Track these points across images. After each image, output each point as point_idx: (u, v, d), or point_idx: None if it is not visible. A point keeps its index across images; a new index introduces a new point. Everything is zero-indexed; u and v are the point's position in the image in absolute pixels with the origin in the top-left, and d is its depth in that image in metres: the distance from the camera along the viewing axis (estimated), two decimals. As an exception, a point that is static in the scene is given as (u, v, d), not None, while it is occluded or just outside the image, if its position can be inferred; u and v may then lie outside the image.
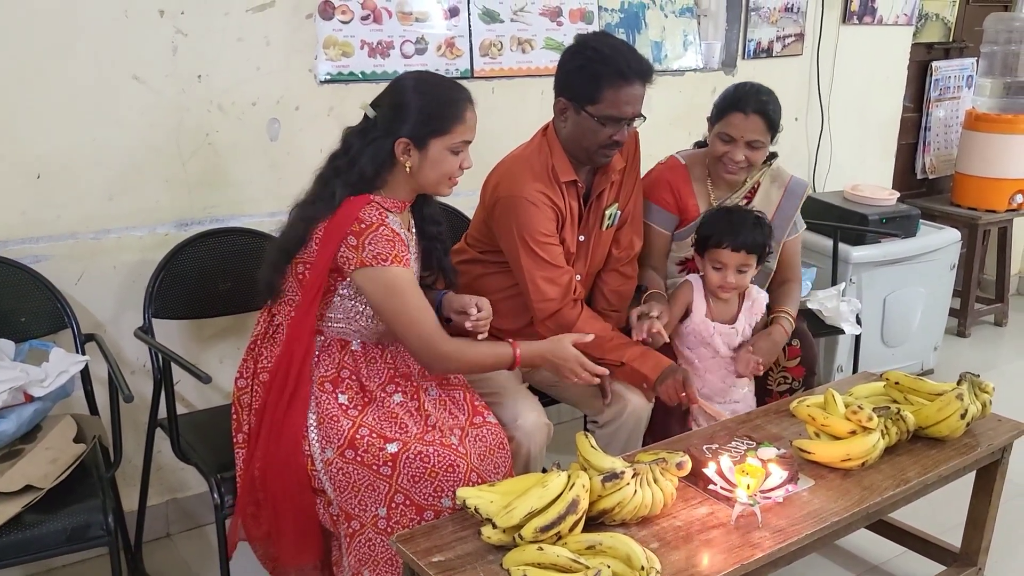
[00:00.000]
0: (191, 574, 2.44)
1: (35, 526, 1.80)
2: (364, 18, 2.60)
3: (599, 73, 2.11)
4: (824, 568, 2.53)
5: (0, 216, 2.19)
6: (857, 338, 3.21)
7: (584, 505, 1.65)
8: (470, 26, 2.80)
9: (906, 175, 4.45)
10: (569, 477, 1.67)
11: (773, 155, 2.58)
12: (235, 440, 1.99)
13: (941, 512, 2.46)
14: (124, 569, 2.36)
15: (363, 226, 1.82)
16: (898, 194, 3.65)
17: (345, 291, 1.91)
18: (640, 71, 2.13)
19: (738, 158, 2.41)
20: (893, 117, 4.17)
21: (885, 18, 3.89)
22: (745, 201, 2.55)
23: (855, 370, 3.30)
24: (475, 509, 1.68)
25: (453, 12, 2.75)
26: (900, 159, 4.31)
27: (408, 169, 1.90)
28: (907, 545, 2.51)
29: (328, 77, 2.56)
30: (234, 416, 2.00)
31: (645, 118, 2.22)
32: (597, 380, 2.09)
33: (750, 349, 2.37)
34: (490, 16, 2.83)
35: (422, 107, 1.88)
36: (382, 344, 2.03)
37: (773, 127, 2.42)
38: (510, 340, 2.02)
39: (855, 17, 3.80)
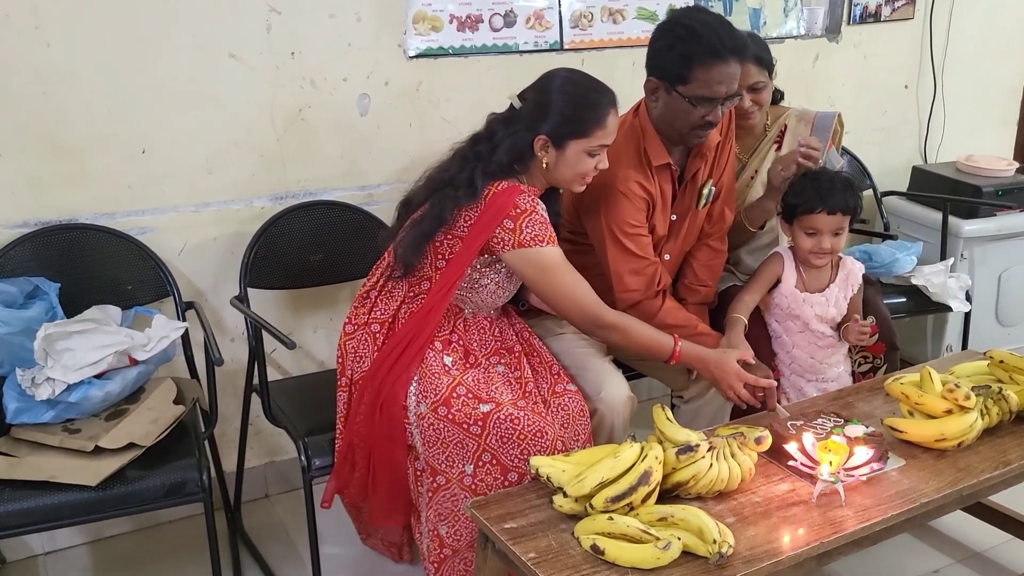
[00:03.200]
0: (286, 534, 2.54)
1: (136, 481, 1.91)
2: (453, -8, 2.61)
3: (690, 52, 2.04)
4: (923, 553, 2.44)
5: (109, 190, 2.32)
6: (967, 316, 3.06)
7: (657, 477, 1.64)
8: (560, -3, 2.77)
9: (1029, 145, 4.18)
10: (642, 448, 1.66)
11: (779, 93, 2.59)
12: (338, 383, 2.06)
13: (1052, 499, 2.33)
14: (224, 526, 2.49)
15: (519, 211, 1.89)
16: (1017, 165, 3.44)
17: (476, 266, 1.97)
18: (734, 48, 2.05)
19: (746, 105, 2.41)
20: (1015, 83, 3.91)
21: (1008, -23, 3.66)
22: (776, 145, 2.52)
23: (965, 350, 3.16)
24: (547, 478, 1.69)
25: (542, -17, 2.74)
26: (1023, 128, 4.05)
27: (544, 165, 1.95)
28: (1012, 532, 2.38)
29: (417, 52, 2.59)
30: (339, 359, 2.07)
31: (742, 96, 2.16)
32: (754, 401, 2.04)
33: (856, 318, 2.29)
34: (580, -14, 2.80)
35: (564, 108, 1.92)
36: (491, 317, 2.09)
37: (764, 63, 2.41)
38: (675, 335, 2.04)
39: (973, -23, 3.58)
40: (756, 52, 2.36)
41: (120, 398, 2.07)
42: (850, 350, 2.40)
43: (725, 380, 2.03)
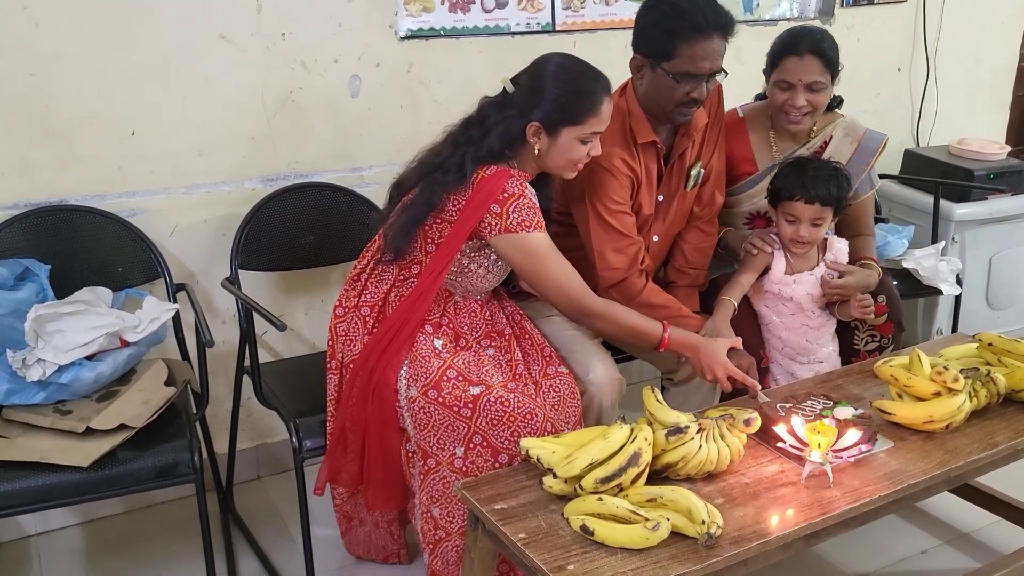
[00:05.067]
0: (278, 515, 2.55)
1: (128, 462, 1.91)
2: (445, -27, 2.60)
3: (674, 27, 2.04)
4: (911, 533, 2.46)
5: (99, 171, 2.31)
6: (957, 299, 3.07)
7: (646, 458, 1.65)
8: (552, -22, 2.76)
9: (1021, 129, 4.18)
10: (632, 430, 1.67)
11: (839, 100, 2.48)
12: (328, 366, 2.06)
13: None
14: (216, 508, 2.50)
15: (506, 195, 1.88)
16: (1009, 148, 3.44)
17: (465, 251, 1.97)
18: (718, 24, 2.05)
19: (799, 103, 2.31)
20: (1008, 66, 3.91)
21: (1002, -41, 3.65)
22: (815, 156, 2.45)
23: (955, 333, 3.17)
24: (537, 459, 1.70)
25: (535, -36, 2.73)
26: (1016, 112, 4.05)
27: (536, 151, 1.94)
28: (1000, 513, 2.40)
29: (408, 33, 2.58)
30: (329, 343, 2.07)
31: (727, 73, 2.15)
32: (730, 388, 2.05)
33: (857, 297, 2.28)
34: (573, -32, 2.79)
35: (558, 94, 1.91)
36: (482, 300, 2.09)
37: (831, 66, 2.31)
38: (663, 321, 2.04)
39: (968, -41, 3.57)
40: (825, 50, 2.30)
41: (111, 380, 2.07)
42: (857, 328, 2.40)
43: (711, 369, 2.03)
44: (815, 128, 2.45)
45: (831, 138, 2.46)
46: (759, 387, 2.03)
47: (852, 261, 2.39)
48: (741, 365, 2.10)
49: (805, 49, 2.29)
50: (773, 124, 2.45)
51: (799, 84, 2.31)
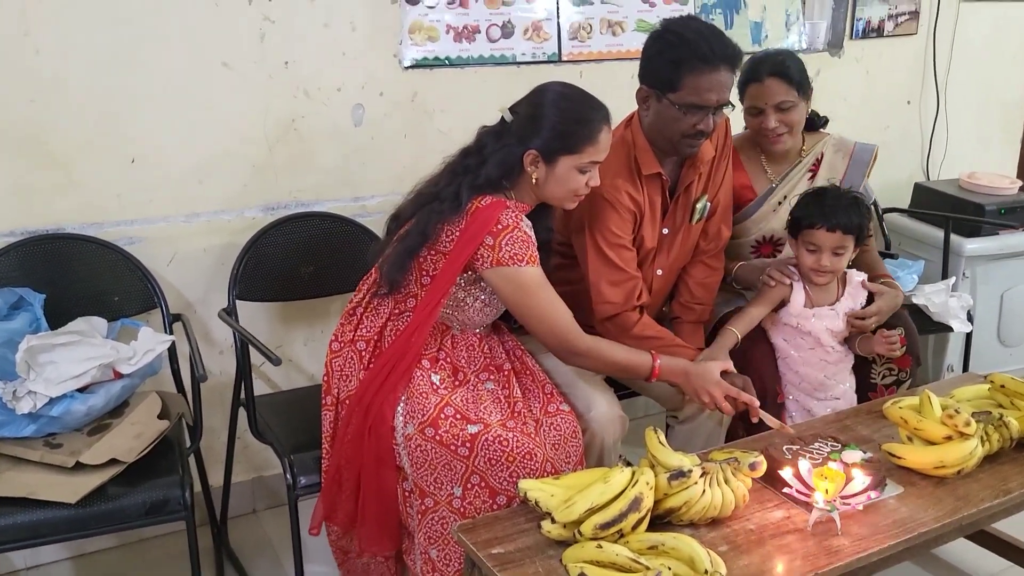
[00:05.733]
0: (272, 550, 2.49)
1: (117, 498, 1.87)
2: (450, 2, 2.58)
3: (679, 58, 2.02)
4: (921, 580, 2.39)
5: (97, 199, 2.28)
6: (968, 336, 3.02)
7: (648, 503, 1.60)
8: (558, 8, 2.74)
9: (1033, 163, 4.15)
10: (633, 473, 1.62)
11: (821, 118, 2.51)
12: (323, 402, 2.02)
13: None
14: (209, 542, 2.45)
15: (500, 227, 1.85)
16: (1020, 183, 3.40)
17: (460, 283, 1.94)
18: (725, 56, 2.02)
19: (771, 125, 2.34)
20: (1019, 99, 3.88)
21: (1012, -7, 3.63)
22: (810, 174, 2.46)
23: (966, 371, 3.12)
24: (536, 502, 1.65)
25: (541, -6, 2.71)
26: (1027, 145, 4.02)
27: (534, 180, 1.91)
28: (1014, 560, 2.33)
29: (413, 62, 2.56)
30: (325, 378, 2.03)
31: (734, 106, 2.13)
32: (730, 411, 2.01)
33: (883, 330, 2.25)
34: (580, -2, 2.77)
35: (557, 123, 1.88)
36: (480, 334, 2.05)
37: (795, 82, 2.32)
38: (652, 351, 2.01)
39: (979, -8, 3.55)
40: (787, 70, 2.30)
41: (103, 412, 2.03)
42: (874, 361, 2.35)
43: (704, 389, 1.99)
44: (805, 148, 2.48)
45: (823, 155, 2.48)
46: (757, 403, 1.98)
47: (870, 280, 2.38)
48: (735, 384, 2.05)
49: (765, 73, 2.31)
50: (763, 149, 2.46)
51: (767, 107, 2.33)
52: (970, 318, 2.89)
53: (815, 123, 2.49)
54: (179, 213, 2.38)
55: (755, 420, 1.99)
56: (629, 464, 1.68)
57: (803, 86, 2.35)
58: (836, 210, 2.21)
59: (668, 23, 2.13)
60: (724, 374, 2.02)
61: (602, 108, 1.93)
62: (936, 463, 1.84)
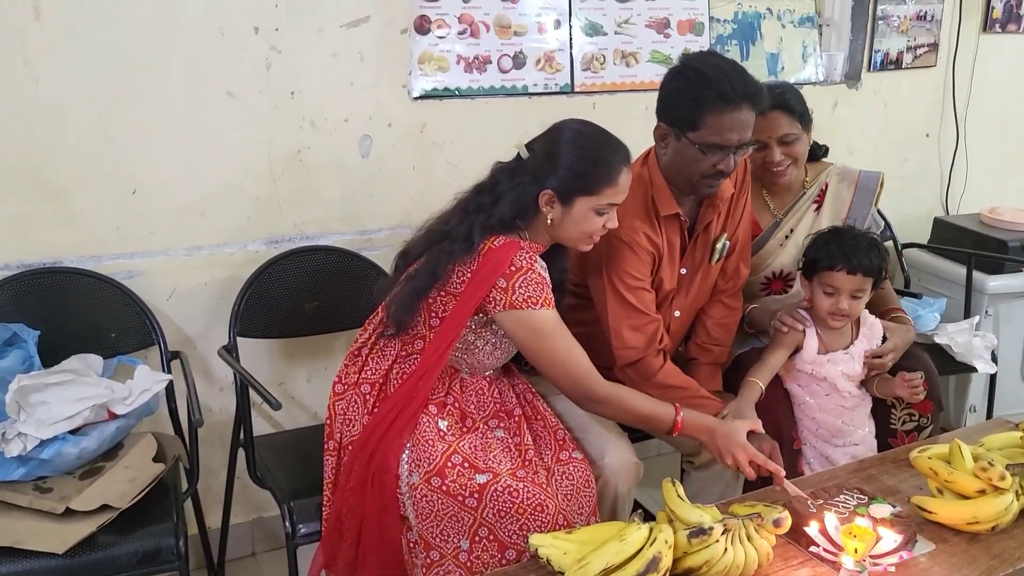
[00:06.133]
0: (272, 596, 2.41)
1: (108, 547, 1.79)
2: (461, 32, 2.53)
3: (700, 96, 1.94)
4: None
5: (96, 231, 2.22)
6: (992, 377, 2.92)
7: (667, 563, 1.51)
8: (571, 39, 2.69)
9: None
10: (651, 531, 1.53)
11: (821, 147, 2.45)
12: (325, 447, 1.94)
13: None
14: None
15: (513, 269, 1.78)
16: (1044, 218, 3.32)
17: (471, 326, 1.86)
18: (747, 94, 1.94)
19: (776, 159, 2.29)
20: (1040, 133, 3.81)
21: (1032, 25, 3.57)
22: (815, 205, 2.40)
23: (990, 412, 3.03)
24: (547, 560, 1.56)
25: (554, 25, 2.65)
26: (1048, 179, 3.94)
27: (549, 221, 1.84)
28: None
29: (422, 93, 2.50)
30: (327, 422, 1.95)
31: (755, 145, 2.06)
32: (753, 476, 1.90)
33: (903, 373, 2.16)
34: (593, 29, 2.72)
35: (574, 162, 1.82)
36: (490, 377, 1.98)
37: (798, 113, 2.28)
38: (675, 403, 1.93)
39: (997, 25, 3.49)
40: (788, 102, 2.26)
41: (96, 455, 1.96)
42: (894, 406, 2.27)
43: (729, 451, 1.90)
44: (808, 179, 2.42)
45: (827, 185, 2.42)
46: (783, 473, 1.89)
47: (880, 313, 2.31)
48: (763, 449, 1.96)
49: (766, 106, 2.21)
50: (764, 185, 2.40)
51: (771, 141, 2.27)
52: (994, 358, 2.80)
53: (816, 153, 2.44)
54: (180, 246, 2.31)
55: (778, 489, 1.89)
56: (647, 519, 1.59)
57: (804, 117, 2.31)
58: (856, 251, 2.13)
59: (688, 59, 2.05)
60: (750, 435, 1.93)
61: (622, 148, 1.86)
62: (970, 518, 1.74)
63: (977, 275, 3.07)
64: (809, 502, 1.79)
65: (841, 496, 1.82)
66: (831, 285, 2.15)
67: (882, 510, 1.74)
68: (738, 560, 1.56)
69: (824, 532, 1.65)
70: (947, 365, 2.77)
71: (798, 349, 2.21)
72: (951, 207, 3.58)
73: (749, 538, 1.59)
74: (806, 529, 1.67)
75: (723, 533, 1.56)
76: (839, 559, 1.59)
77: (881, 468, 2.04)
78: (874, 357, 2.22)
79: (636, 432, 2.23)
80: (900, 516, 1.74)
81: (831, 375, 2.20)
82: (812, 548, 1.65)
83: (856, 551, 1.57)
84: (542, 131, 1.90)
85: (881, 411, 2.29)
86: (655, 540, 1.51)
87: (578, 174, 1.81)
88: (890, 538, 1.62)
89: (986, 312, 3.12)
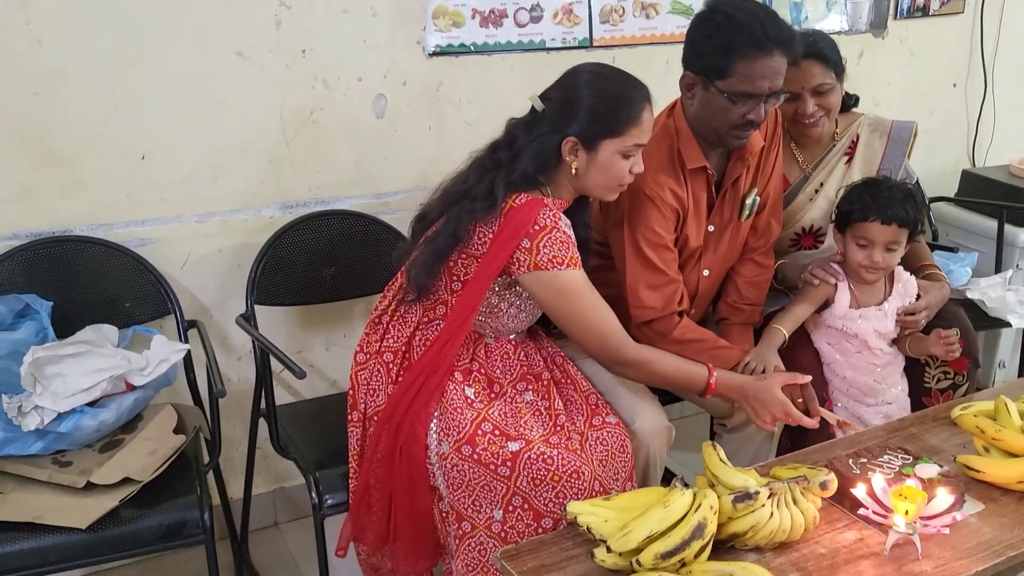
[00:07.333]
0: (295, 566, 2.37)
1: (131, 521, 1.74)
2: (476, -15, 2.43)
3: (730, 42, 1.84)
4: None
5: (105, 198, 2.15)
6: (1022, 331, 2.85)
7: (712, 529, 1.45)
8: (589, -10, 2.59)
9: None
10: (695, 496, 1.48)
11: (852, 97, 2.36)
12: (349, 418, 1.89)
13: None
14: (230, 558, 2.32)
15: (537, 227, 1.71)
16: (1075, 168, 3.23)
17: (495, 288, 1.80)
18: (779, 39, 1.85)
19: (810, 110, 2.19)
20: (1070, 80, 3.70)
21: (1062, -32, 3.44)
22: (846, 157, 2.31)
23: (1022, 367, 2.96)
24: (588, 528, 1.51)
25: (571, -25, 2.55)
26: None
27: (574, 171, 1.76)
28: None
29: (437, 49, 2.41)
30: (350, 392, 1.89)
31: (788, 94, 1.97)
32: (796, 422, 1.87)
33: (939, 330, 2.09)
34: (612, -21, 2.62)
35: (595, 104, 1.73)
36: (515, 340, 1.92)
37: (832, 63, 2.18)
38: (708, 364, 1.87)
39: (1026, -32, 3.37)
40: (822, 51, 2.16)
41: (115, 427, 1.91)
42: (928, 364, 2.20)
43: (765, 409, 1.86)
44: (838, 131, 2.33)
45: (858, 137, 2.33)
46: (818, 417, 1.85)
47: (913, 270, 2.24)
48: (797, 403, 1.91)
49: (800, 55, 2.11)
50: (793, 137, 2.31)
51: (804, 92, 2.18)
52: (1027, 313, 2.73)
53: (847, 103, 2.34)
54: (192, 212, 2.24)
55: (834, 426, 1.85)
56: (687, 485, 1.53)
57: (838, 66, 2.21)
58: (891, 202, 2.05)
59: (716, 3, 1.94)
60: (789, 386, 1.88)
61: (642, 86, 1.78)
62: (1020, 477, 1.69)
63: (1008, 228, 2.98)
64: (850, 462, 1.73)
65: (885, 456, 1.76)
66: (864, 237, 2.07)
67: (928, 470, 1.68)
68: (784, 525, 1.51)
69: (871, 494, 1.59)
70: (978, 320, 2.69)
71: (828, 304, 2.14)
72: (978, 159, 3.48)
73: (795, 501, 1.54)
74: (853, 491, 1.61)
75: (769, 497, 1.50)
76: (889, 521, 1.54)
77: (922, 427, 1.98)
78: (907, 315, 2.15)
79: (665, 394, 2.18)
80: (948, 476, 1.68)
81: (862, 331, 2.13)
82: (860, 511, 1.59)
83: (907, 513, 1.52)
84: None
85: (915, 369, 2.22)
86: (700, 506, 1.46)
87: (601, 116, 1.72)
88: (943, 498, 1.56)
89: (1017, 265, 3.04)
